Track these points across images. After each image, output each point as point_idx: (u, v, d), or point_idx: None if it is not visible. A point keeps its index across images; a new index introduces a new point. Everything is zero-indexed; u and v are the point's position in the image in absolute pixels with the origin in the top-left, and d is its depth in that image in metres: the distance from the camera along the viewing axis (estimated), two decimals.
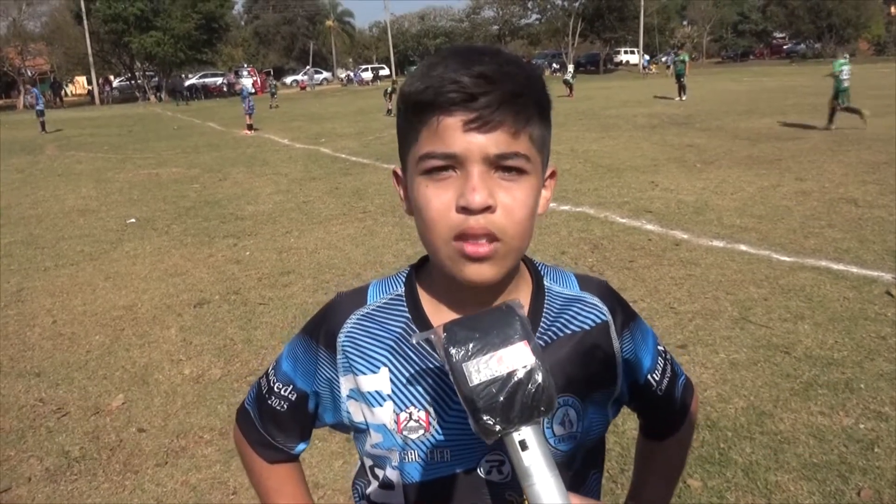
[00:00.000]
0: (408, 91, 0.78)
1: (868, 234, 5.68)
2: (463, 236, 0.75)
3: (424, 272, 0.89)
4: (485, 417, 0.64)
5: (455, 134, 0.73)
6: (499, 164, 0.74)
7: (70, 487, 2.86)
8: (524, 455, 0.64)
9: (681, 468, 1.10)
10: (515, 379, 0.64)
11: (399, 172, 0.85)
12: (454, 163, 0.74)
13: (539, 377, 0.65)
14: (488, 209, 0.74)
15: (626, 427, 2.84)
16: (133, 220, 7.96)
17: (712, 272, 4.99)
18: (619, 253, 5.60)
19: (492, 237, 0.75)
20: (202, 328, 4.51)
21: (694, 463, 2.71)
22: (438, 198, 0.75)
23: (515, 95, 0.74)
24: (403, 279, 0.90)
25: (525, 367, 0.65)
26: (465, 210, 0.74)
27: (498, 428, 0.64)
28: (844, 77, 12.13)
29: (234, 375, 3.77)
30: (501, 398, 0.63)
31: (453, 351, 0.65)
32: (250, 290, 5.22)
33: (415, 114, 0.77)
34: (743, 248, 5.54)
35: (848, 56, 12.98)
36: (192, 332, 4.46)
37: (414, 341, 0.73)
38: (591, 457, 0.92)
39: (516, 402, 0.64)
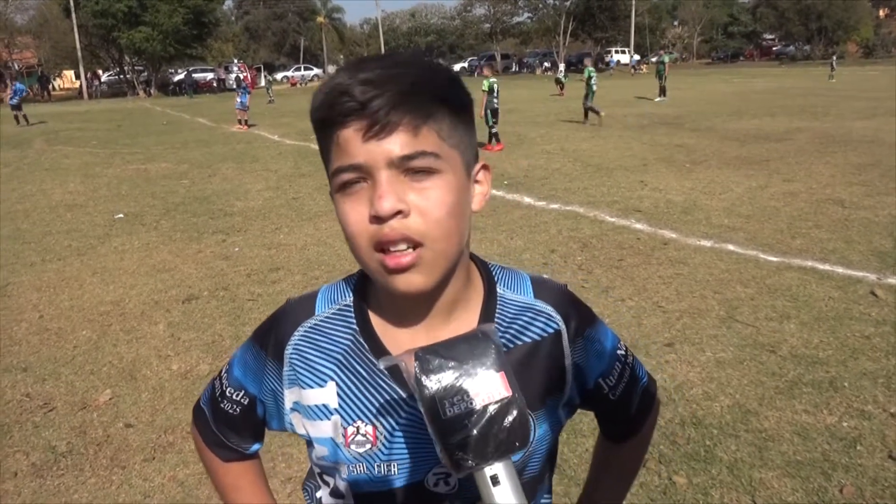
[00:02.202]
0: (311, 109, 0.77)
1: (854, 235, 5.74)
2: (382, 246, 0.73)
3: (370, 281, 0.87)
4: (457, 453, 0.61)
5: (356, 144, 0.72)
6: (406, 166, 0.73)
7: (56, 482, 2.85)
8: (495, 490, 0.62)
9: (636, 470, 1.11)
10: (490, 413, 0.62)
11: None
12: (362, 173, 0.73)
13: (515, 411, 0.62)
14: (400, 213, 0.72)
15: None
16: (121, 215, 7.92)
17: (700, 271, 5.03)
18: (608, 252, 5.63)
19: (412, 242, 0.73)
20: (190, 324, 4.50)
21: (679, 460, 2.74)
22: (354, 211, 0.74)
23: (406, 94, 0.72)
24: (352, 287, 0.88)
25: (501, 400, 0.62)
26: (376, 219, 0.72)
27: (470, 464, 0.61)
28: (594, 83, 15.49)
29: None
30: (475, 433, 0.61)
31: (425, 381, 0.62)
32: (239, 286, 5.21)
33: (321, 132, 0.76)
34: (731, 247, 5.59)
35: (593, 66, 16.56)
36: (180, 327, 4.45)
37: (381, 367, 0.71)
38: (545, 459, 0.92)
39: (491, 437, 0.61)
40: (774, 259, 5.24)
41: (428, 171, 0.73)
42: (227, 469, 0.98)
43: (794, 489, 2.55)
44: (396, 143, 0.72)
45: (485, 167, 0.83)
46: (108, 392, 3.60)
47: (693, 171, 9.02)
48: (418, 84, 0.73)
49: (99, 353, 4.11)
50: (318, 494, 0.93)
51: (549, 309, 0.88)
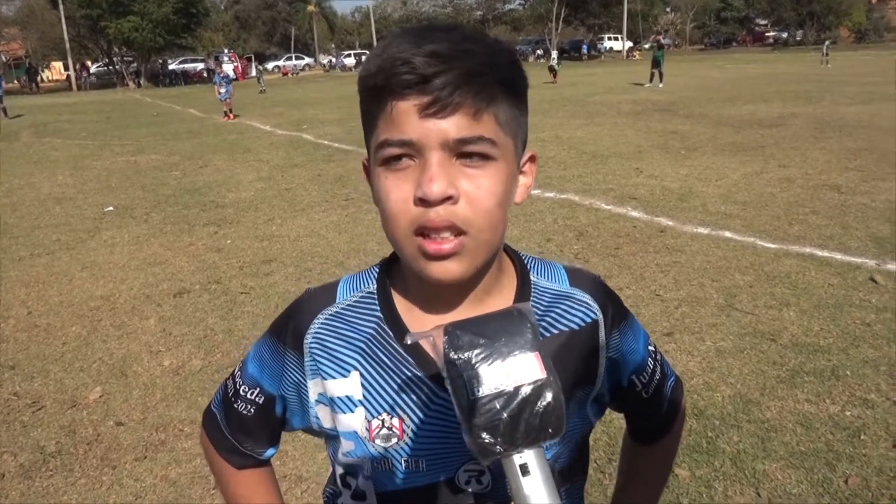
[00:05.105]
0: (362, 74, 0.72)
1: (851, 221, 5.71)
2: (424, 230, 0.69)
3: (396, 268, 0.83)
4: (484, 436, 0.57)
5: (410, 119, 0.67)
6: (460, 150, 0.68)
7: (45, 484, 2.78)
8: (524, 481, 0.57)
9: (668, 472, 1.06)
10: (522, 395, 0.57)
11: (366, 162, 0.80)
12: (412, 150, 0.68)
13: (549, 395, 0.58)
14: (449, 199, 0.68)
15: (612, 416, 2.81)
16: (111, 208, 7.81)
17: (697, 259, 4.98)
18: (604, 240, 5.57)
19: (456, 230, 0.69)
20: (182, 318, 4.42)
21: (682, 452, 2.69)
22: (397, 189, 0.70)
23: (474, 74, 0.67)
24: (375, 275, 0.84)
25: (534, 382, 0.58)
26: (423, 202, 0.67)
27: (498, 449, 0.57)
28: None
29: (215, 366, 3.70)
30: (505, 416, 0.56)
31: (454, 357, 0.58)
32: (231, 278, 5.13)
33: (370, 99, 0.72)
34: (728, 234, 5.54)
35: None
36: (171, 322, 4.37)
37: (408, 341, 0.67)
38: (574, 463, 0.87)
39: (522, 421, 0.57)
40: (772, 246, 5.20)
41: (482, 157, 0.69)
42: (241, 477, 0.92)
43: (798, 480, 2.51)
44: (454, 125, 0.67)
45: (532, 158, 0.80)
46: (98, 390, 3.53)
47: (688, 158, 8.97)
48: (486, 64, 0.68)
49: (89, 349, 4.04)
50: (339, 501, 0.88)
51: (587, 298, 0.84)
